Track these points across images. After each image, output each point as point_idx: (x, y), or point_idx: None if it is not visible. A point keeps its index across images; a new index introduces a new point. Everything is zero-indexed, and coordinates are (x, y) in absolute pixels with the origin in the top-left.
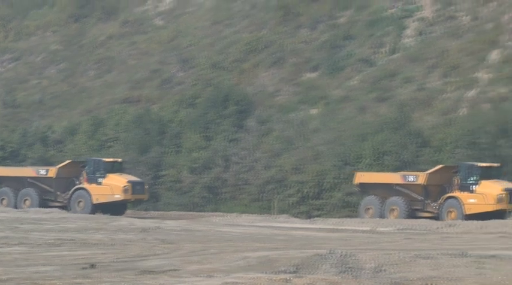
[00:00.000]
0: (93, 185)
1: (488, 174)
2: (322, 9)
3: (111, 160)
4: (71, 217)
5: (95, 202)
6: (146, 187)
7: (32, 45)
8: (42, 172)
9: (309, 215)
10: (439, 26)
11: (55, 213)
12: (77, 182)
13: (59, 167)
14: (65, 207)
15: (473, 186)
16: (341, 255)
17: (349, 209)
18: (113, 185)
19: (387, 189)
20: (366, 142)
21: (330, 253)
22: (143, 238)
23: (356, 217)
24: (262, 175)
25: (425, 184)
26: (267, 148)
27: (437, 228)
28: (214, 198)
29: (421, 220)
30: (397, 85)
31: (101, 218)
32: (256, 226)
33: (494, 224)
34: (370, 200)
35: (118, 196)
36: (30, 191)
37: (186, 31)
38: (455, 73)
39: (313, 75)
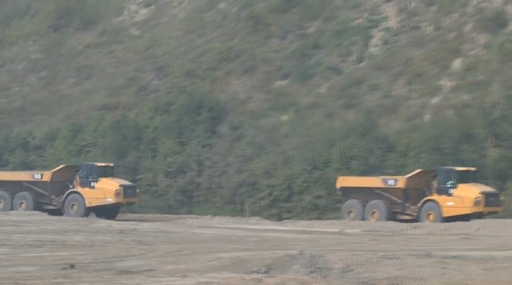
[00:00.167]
0: (86, 189)
1: (465, 178)
2: (291, 20)
3: (103, 164)
4: (51, 219)
5: (88, 205)
6: (138, 190)
7: (14, 53)
8: (37, 176)
9: (279, 218)
10: (403, 35)
11: (36, 215)
12: (71, 186)
13: (53, 172)
14: (59, 210)
15: (451, 189)
16: (311, 256)
17: (318, 211)
18: (106, 189)
19: (368, 193)
20: (334, 147)
21: (300, 254)
22: (121, 240)
23: (325, 219)
24: (235, 178)
25: (404, 187)
26: (239, 153)
27: (403, 230)
28: (188, 201)
29: (388, 222)
30: (364, 92)
31: (80, 220)
32: (229, 227)
33: (457, 226)
34: (352, 203)
35: (110, 200)
36: (26, 194)
37: (161, 40)
38: (419, 81)
39: (284, 82)
